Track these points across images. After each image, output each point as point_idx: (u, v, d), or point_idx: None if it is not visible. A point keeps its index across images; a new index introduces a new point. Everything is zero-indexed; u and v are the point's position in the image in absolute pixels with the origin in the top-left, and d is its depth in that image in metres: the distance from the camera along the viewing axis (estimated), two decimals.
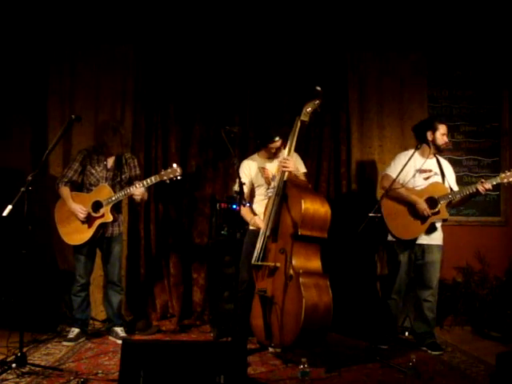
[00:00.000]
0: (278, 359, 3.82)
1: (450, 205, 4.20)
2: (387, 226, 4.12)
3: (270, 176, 4.12)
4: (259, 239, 3.89)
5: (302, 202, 3.70)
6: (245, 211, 4.07)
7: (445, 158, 4.41)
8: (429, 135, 4.19)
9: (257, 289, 3.88)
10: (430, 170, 4.21)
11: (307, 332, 3.55)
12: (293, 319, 3.58)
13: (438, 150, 4.25)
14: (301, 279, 3.59)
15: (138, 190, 4.14)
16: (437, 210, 4.04)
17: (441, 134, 4.19)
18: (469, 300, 4.84)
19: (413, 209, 4.09)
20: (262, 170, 4.15)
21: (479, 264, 5.02)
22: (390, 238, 4.23)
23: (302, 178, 4.07)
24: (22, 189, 3.43)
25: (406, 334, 4.58)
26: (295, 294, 3.59)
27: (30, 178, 3.48)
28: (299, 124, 3.95)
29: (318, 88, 3.89)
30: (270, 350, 3.98)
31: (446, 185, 4.19)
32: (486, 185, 3.99)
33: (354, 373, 3.56)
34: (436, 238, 4.20)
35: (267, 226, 3.87)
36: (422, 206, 4.04)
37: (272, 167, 4.14)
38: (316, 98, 3.91)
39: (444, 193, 4.09)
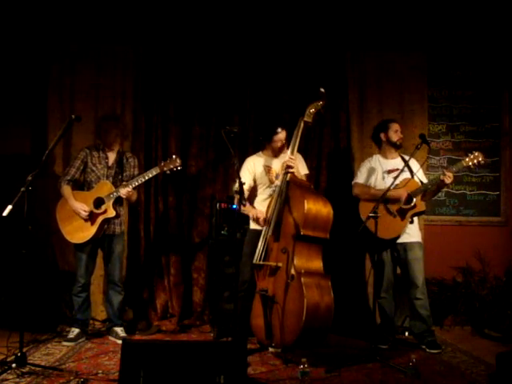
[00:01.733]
0: (278, 359, 3.82)
1: (423, 198, 4.27)
2: (370, 229, 4.07)
3: (274, 175, 4.12)
4: (261, 239, 3.89)
5: (305, 202, 3.71)
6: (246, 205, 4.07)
7: (444, 158, 4.44)
8: (382, 136, 4.40)
9: (258, 288, 3.88)
10: (397, 169, 4.27)
11: (308, 332, 3.55)
12: (294, 319, 3.58)
13: (395, 147, 4.38)
14: (302, 279, 3.60)
15: (124, 190, 4.15)
16: (413, 204, 4.14)
17: (393, 132, 4.36)
18: (469, 300, 4.84)
19: (389, 207, 4.20)
20: (268, 168, 4.16)
21: (479, 264, 5.02)
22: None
23: (304, 179, 4.08)
24: (22, 189, 3.43)
25: (406, 333, 4.58)
26: (296, 293, 3.60)
27: (29, 177, 3.47)
28: (302, 125, 3.96)
29: (322, 89, 3.91)
30: (270, 349, 3.97)
31: (416, 179, 4.29)
32: (448, 173, 4.09)
33: (354, 373, 3.55)
34: (415, 236, 4.32)
35: (269, 225, 3.87)
36: (397, 192, 4.14)
37: (277, 166, 4.14)
38: (319, 99, 3.92)
39: (416, 187, 4.19)
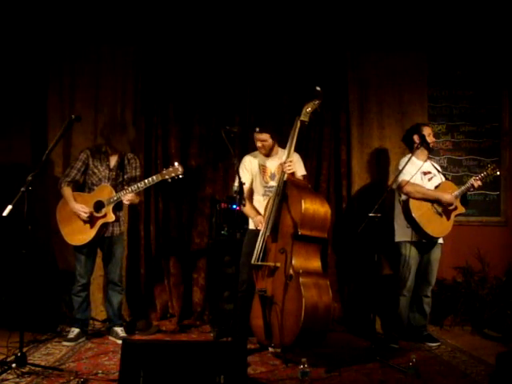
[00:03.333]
0: (278, 359, 3.82)
1: None
2: (422, 227, 4.17)
3: (269, 174, 4.12)
4: (259, 239, 3.89)
5: (302, 201, 3.70)
6: (249, 208, 4.07)
7: (444, 158, 4.48)
8: (416, 138, 4.38)
9: (257, 289, 3.88)
10: (430, 172, 4.41)
11: (307, 332, 3.56)
12: (293, 319, 3.58)
13: (428, 150, 4.43)
14: (301, 279, 3.60)
15: (126, 197, 4.14)
16: (455, 205, 4.28)
17: (427, 135, 4.38)
18: (469, 300, 4.84)
19: (436, 207, 4.27)
20: (263, 168, 4.15)
21: (479, 264, 5.02)
22: (403, 238, 4.32)
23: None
24: (22, 189, 3.43)
25: None
26: (295, 293, 3.60)
27: (29, 177, 3.47)
28: (299, 124, 3.95)
29: (318, 88, 3.90)
30: (270, 349, 3.98)
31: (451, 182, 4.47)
32: (479, 178, 4.35)
33: (354, 373, 3.56)
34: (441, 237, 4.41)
35: (267, 225, 3.87)
36: (448, 197, 4.24)
37: (271, 165, 4.14)
38: (316, 98, 3.92)
39: (455, 189, 4.33)
